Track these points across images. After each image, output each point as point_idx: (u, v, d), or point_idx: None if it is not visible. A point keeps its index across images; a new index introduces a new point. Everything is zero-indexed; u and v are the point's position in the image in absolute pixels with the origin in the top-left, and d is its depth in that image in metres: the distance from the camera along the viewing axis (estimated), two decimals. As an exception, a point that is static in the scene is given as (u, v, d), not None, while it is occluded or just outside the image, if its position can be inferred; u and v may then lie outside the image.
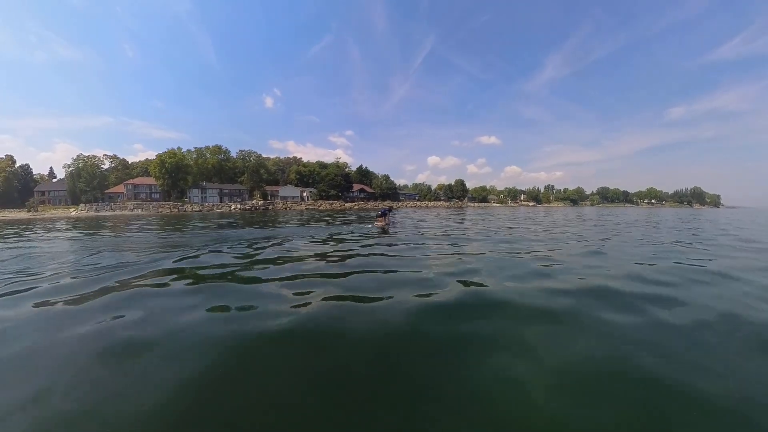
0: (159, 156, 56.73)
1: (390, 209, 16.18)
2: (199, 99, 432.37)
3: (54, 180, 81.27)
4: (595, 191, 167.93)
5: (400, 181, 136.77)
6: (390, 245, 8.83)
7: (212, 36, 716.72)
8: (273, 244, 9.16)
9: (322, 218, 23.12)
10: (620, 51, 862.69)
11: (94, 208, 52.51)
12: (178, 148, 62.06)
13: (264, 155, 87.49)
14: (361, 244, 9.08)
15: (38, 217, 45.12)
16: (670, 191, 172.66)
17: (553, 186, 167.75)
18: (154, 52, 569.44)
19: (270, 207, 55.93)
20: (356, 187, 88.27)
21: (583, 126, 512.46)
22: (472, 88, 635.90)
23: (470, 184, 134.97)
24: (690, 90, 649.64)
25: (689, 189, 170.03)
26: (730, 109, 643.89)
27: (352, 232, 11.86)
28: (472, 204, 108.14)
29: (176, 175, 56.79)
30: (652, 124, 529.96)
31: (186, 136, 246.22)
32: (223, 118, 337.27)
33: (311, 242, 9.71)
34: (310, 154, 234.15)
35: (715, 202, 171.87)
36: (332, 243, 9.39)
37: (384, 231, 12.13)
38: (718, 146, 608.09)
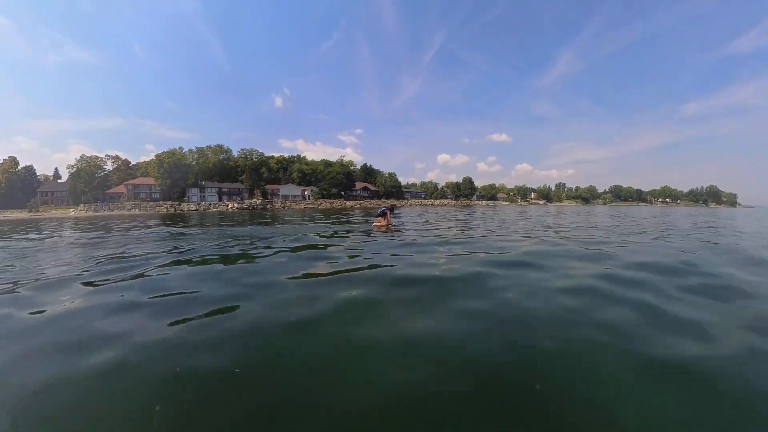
0: (158, 156, 56.01)
1: (392, 208, 13.47)
2: (209, 99, 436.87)
3: (59, 181, 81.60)
4: (607, 189, 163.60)
5: (409, 179, 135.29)
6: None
7: (221, 36, 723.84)
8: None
9: (316, 218, 21.50)
10: (634, 45, 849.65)
11: (92, 208, 51.99)
12: (180, 147, 61.32)
13: (275, 154, 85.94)
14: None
15: (37, 217, 44.64)
16: (685, 189, 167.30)
17: (564, 184, 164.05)
18: (165, 53, 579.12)
19: (268, 206, 54.68)
20: (359, 185, 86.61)
21: (596, 123, 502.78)
22: (482, 85, 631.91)
23: (480, 183, 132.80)
24: (706, 85, 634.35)
25: (705, 187, 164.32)
26: (747, 104, 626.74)
27: (334, 234, 9.76)
28: (480, 202, 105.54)
29: (175, 174, 55.88)
30: (666, 120, 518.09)
31: (197, 136, 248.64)
32: (233, 117, 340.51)
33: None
34: (319, 152, 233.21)
35: (731, 201, 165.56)
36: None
37: (385, 234, 10.13)
38: (735, 143, 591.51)
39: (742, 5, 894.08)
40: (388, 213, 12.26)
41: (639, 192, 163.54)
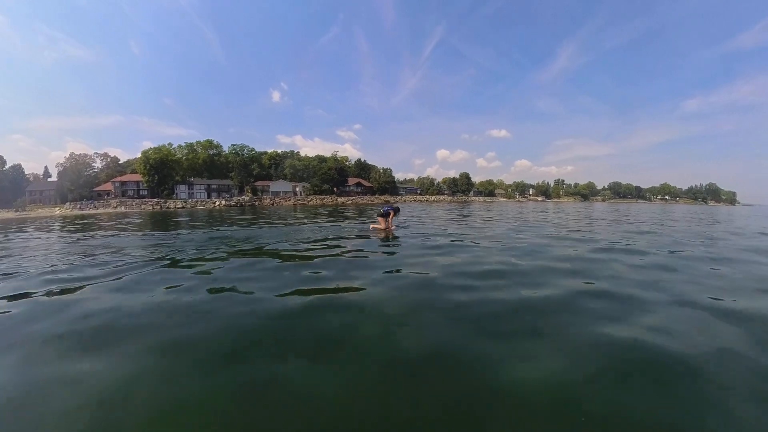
0: (144, 152, 55.11)
1: (396, 209, 10.97)
2: (206, 95, 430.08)
3: (49, 179, 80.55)
4: (606, 186, 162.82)
5: (408, 175, 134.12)
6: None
7: (218, 31, 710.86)
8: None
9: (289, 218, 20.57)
10: (636, 40, 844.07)
11: (78, 206, 51.07)
12: (169, 143, 60.36)
13: (270, 150, 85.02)
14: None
15: (23, 216, 43.77)
16: (684, 187, 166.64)
17: (563, 180, 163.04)
18: (161, 49, 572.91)
19: (257, 203, 54.06)
20: (352, 180, 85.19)
21: (596, 119, 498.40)
22: (482, 80, 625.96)
23: (479, 178, 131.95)
24: (707, 81, 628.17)
25: (704, 185, 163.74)
26: (748, 102, 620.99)
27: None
28: (477, 199, 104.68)
29: (162, 171, 54.97)
30: (667, 117, 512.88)
31: (195, 133, 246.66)
32: (231, 113, 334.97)
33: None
34: (318, 148, 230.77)
35: (730, 199, 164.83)
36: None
37: (386, 240, 8.69)
38: (736, 141, 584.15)
39: (745, 0, 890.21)
40: (392, 213, 10.33)
41: (638, 189, 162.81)
